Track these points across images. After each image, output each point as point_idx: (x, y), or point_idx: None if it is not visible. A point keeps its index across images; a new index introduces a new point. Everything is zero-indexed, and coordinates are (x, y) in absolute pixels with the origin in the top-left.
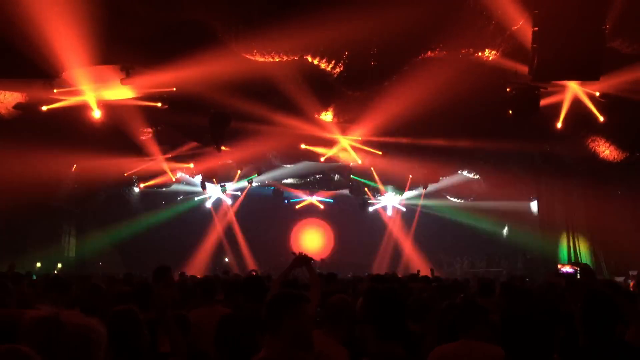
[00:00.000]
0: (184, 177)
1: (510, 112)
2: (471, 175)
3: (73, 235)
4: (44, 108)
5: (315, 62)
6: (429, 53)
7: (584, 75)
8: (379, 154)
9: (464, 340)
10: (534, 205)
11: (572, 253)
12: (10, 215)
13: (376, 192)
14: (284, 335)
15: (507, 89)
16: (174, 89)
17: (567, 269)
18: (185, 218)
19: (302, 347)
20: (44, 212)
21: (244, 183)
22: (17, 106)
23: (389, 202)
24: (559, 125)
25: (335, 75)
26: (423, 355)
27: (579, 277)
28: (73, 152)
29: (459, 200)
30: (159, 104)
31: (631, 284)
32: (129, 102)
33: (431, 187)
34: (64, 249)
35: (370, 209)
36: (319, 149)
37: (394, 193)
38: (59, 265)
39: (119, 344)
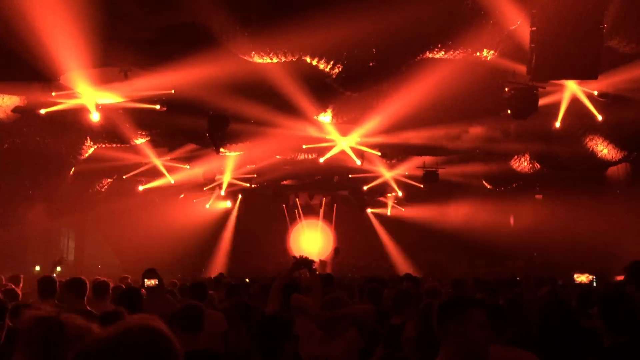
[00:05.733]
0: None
1: (509, 111)
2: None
3: (72, 238)
4: (43, 111)
5: (314, 62)
6: (428, 53)
7: (583, 75)
8: (377, 155)
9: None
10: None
11: None
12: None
13: (376, 193)
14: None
15: (506, 89)
16: (172, 91)
17: (583, 278)
18: (184, 220)
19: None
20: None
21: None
22: (16, 109)
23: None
24: (557, 124)
25: (334, 76)
26: (402, 345)
27: (595, 285)
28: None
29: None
30: (158, 106)
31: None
32: (128, 104)
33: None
34: (63, 252)
35: (369, 210)
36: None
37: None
38: (58, 269)
39: None
